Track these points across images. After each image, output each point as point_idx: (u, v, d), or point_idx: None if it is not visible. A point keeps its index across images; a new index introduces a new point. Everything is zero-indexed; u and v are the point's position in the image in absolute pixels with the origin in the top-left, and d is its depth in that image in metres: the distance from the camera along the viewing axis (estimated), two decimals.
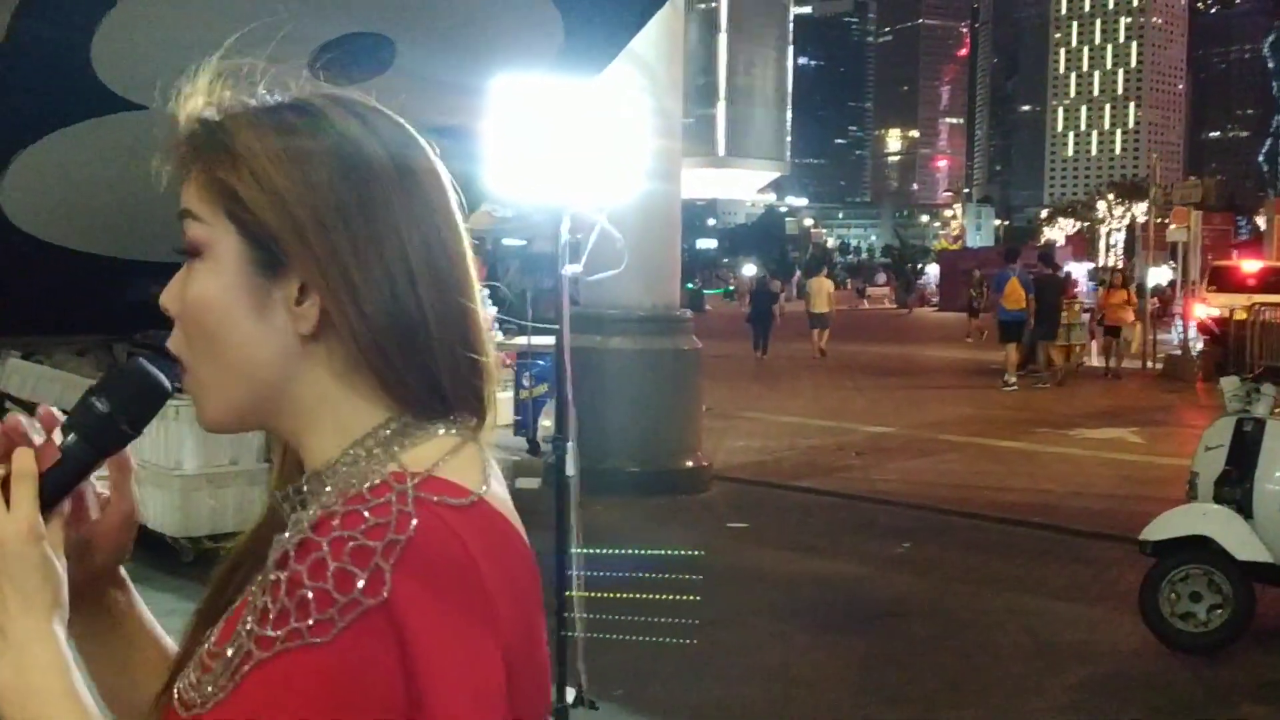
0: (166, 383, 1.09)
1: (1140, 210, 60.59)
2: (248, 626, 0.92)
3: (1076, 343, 23.28)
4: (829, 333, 27.19)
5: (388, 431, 1.03)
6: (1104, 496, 10.54)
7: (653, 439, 10.38)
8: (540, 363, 12.93)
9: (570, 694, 2.83)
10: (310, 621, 0.89)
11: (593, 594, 3.25)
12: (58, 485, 1.04)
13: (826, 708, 5.73)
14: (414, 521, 0.93)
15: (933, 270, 44.83)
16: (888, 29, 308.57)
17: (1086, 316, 24.87)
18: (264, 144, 1.04)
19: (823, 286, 27.65)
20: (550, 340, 13.45)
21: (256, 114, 1.06)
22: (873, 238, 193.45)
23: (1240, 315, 19.53)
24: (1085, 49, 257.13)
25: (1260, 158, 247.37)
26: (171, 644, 1.17)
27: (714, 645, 6.25)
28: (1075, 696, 5.79)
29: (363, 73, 8.32)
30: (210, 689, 0.93)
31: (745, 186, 48.38)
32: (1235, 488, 6.26)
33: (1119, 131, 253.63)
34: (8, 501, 1.01)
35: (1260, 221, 60.75)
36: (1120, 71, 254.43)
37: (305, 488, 1.04)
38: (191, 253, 1.04)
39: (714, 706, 5.69)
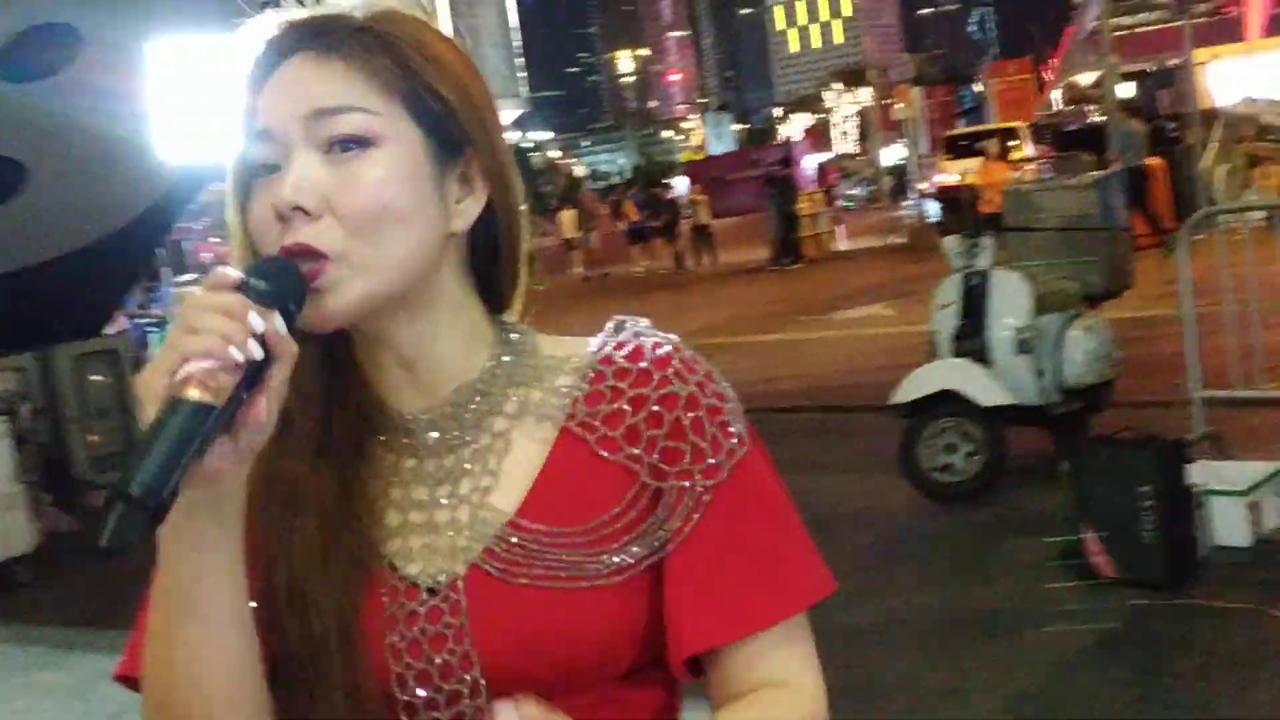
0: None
1: (866, 95, 62.48)
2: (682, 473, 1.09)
3: (824, 230, 24.16)
4: (585, 254, 28.65)
5: (512, 339, 1.14)
6: (866, 371, 10.96)
7: None
8: None
9: None
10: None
11: None
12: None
13: None
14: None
15: (681, 182, 45.90)
16: None
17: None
18: (437, 39, 1.10)
19: (567, 216, 29.70)
20: None
21: (407, 16, 1.10)
22: (621, 160, 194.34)
23: (971, 179, 20.42)
24: None
25: (972, 27, 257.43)
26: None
27: None
28: (855, 560, 6.04)
29: (54, 64, 7.94)
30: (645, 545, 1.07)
31: None
32: (971, 339, 6.61)
33: (837, 21, 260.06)
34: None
35: (976, 88, 63.47)
36: None
37: (474, 397, 1.11)
38: (361, 144, 1.04)
39: None
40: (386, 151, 1.04)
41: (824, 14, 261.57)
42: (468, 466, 1.09)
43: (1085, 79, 34.73)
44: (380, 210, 1.03)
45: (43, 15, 7.70)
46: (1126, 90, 24.47)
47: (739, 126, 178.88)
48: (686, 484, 1.08)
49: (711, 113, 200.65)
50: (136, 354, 12.48)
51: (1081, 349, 6.69)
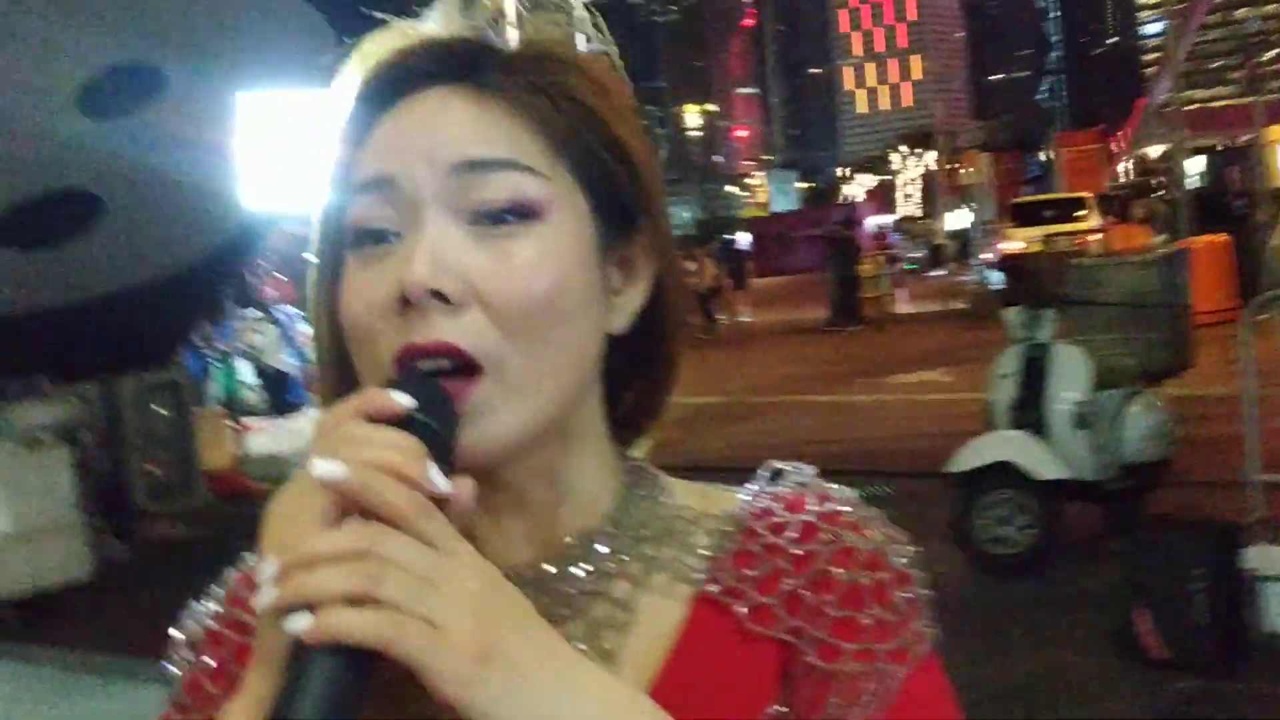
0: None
1: (932, 159, 62.53)
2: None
3: (884, 292, 24.20)
4: None
5: (643, 479, 0.89)
6: (920, 436, 10.91)
7: None
8: None
9: None
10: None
11: None
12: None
13: None
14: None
15: (744, 238, 46.53)
16: (674, 6, 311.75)
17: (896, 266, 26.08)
18: (608, 75, 0.84)
19: None
20: None
21: (571, 46, 0.87)
22: (685, 214, 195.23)
23: (1035, 248, 20.39)
24: (865, 6, 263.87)
25: (1042, 95, 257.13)
26: None
27: None
28: None
29: (135, 104, 8.16)
30: None
31: None
32: (1029, 411, 6.59)
33: (906, 84, 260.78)
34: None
35: (1044, 156, 63.32)
36: (901, 25, 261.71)
37: (603, 544, 0.85)
38: (521, 214, 0.78)
39: None
40: (553, 227, 0.79)
41: (893, 76, 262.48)
42: (578, 645, 0.78)
43: (1154, 152, 34.59)
44: (548, 306, 0.78)
45: (127, 55, 7.90)
46: (1196, 165, 24.34)
47: (803, 185, 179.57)
48: (866, 666, 0.82)
49: (776, 170, 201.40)
50: (196, 385, 12.68)
51: (1140, 426, 6.64)
